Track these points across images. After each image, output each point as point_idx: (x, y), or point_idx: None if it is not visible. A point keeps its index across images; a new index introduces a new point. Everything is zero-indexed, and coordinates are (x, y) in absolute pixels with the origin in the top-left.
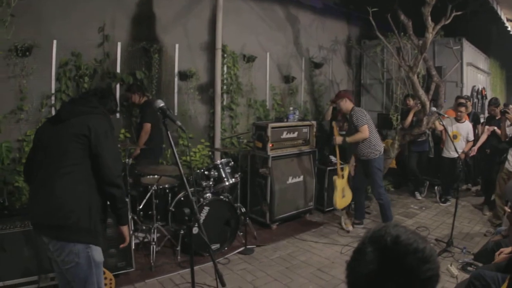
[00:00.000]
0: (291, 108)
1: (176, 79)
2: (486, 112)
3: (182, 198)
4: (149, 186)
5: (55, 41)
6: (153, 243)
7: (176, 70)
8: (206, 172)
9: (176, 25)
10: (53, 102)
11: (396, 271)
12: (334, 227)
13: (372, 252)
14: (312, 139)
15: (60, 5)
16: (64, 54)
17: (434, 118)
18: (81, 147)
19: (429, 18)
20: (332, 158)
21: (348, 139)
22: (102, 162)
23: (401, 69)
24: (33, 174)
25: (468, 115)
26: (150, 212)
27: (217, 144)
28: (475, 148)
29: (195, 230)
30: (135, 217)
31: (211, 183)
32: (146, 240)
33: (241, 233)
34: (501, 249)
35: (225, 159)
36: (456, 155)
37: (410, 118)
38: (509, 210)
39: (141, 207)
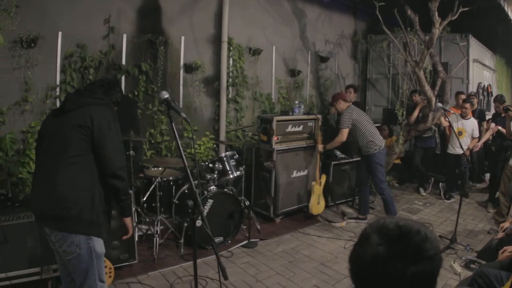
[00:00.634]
0: (296, 102)
1: (181, 71)
2: (492, 108)
3: (186, 191)
4: (153, 178)
5: (60, 33)
6: (156, 235)
7: (182, 62)
8: (210, 165)
9: (182, 18)
10: (57, 93)
11: (402, 249)
12: (337, 221)
13: (376, 237)
14: (317, 133)
15: None
16: (69, 46)
17: (439, 114)
18: (84, 138)
19: (436, 14)
20: (337, 152)
21: (328, 146)
22: (104, 153)
23: (407, 64)
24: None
25: (474, 112)
26: (153, 205)
27: (222, 137)
28: (479, 144)
29: (198, 223)
30: (139, 209)
31: (215, 176)
32: (149, 232)
33: (245, 227)
34: (505, 247)
35: (229, 152)
36: (461, 152)
37: (416, 113)
38: None
39: (144, 199)
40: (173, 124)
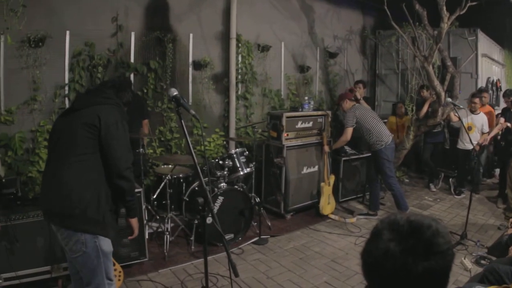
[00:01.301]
0: (306, 98)
1: (190, 68)
2: (501, 103)
3: (196, 188)
4: (163, 176)
5: (68, 32)
6: (167, 233)
7: (191, 59)
8: (220, 162)
9: (190, 15)
10: (66, 92)
11: (414, 244)
12: (348, 217)
13: (387, 232)
14: (327, 129)
15: None
16: (77, 45)
17: (449, 109)
18: (91, 137)
19: (444, 8)
20: (347, 148)
21: (333, 146)
22: (111, 153)
23: (416, 60)
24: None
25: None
26: (164, 202)
27: (232, 133)
28: (488, 137)
29: (209, 220)
30: (149, 207)
31: (225, 172)
32: (159, 230)
33: (255, 223)
34: None
35: (239, 149)
36: (471, 147)
37: (425, 109)
38: None
39: (155, 196)
40: (182, 121)
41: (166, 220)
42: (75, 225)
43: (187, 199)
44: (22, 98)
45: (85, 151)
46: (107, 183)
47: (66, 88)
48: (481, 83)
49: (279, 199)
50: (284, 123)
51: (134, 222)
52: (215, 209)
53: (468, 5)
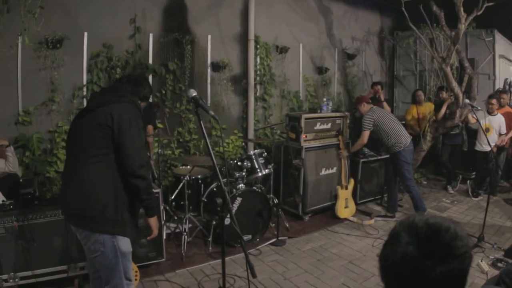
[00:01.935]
0: (324, 99)
1: (209, 70)
2: None
3: (214, 189)
4: (182, 177)
5: (86, 33)
6: (185, 233)
7: (209, 61)
8: (239, 163)
9: (208, 16)
10: (84, 93)
11: (432, 248)
12: (366, 219)
13: (405, 235)
14: (345, 130)
15: None
16: (95, 46)
17: (467, 110)
18: (105, 137)
19: (462, 9)
20: (366, 149)
21: (351, 150)
22: (124, 152)
23: (434, 61)
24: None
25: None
26: (182, 203)
27: (250, 135)
28: (506, 138)
29: (227, 221)
30: (167, 208)
31: (244, 174)
32: (177, 230)
33: (273, 225)
34: None
35: (258, 150)
36: (489, 149)
37: (443, 110)
38: None
39: (173, 197)
40: (201, 122)
41: (184, 221)
42: (93, 226)
43: (205, 200)
44: (40, 99)
45: (101, 151)
46: (124, 183)
47: (84, 89)
48: (499, 84)
49: (297, 201)
50: (302, 124)
51: (153, 221)
52: (233, 210)
53: (485, 5)
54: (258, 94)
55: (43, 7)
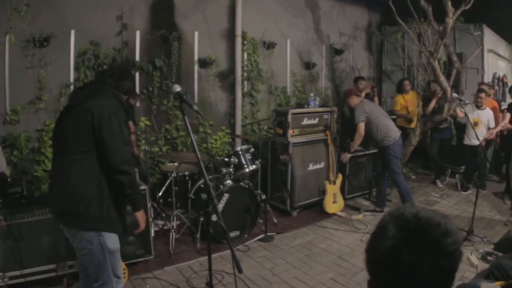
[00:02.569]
0: (311, 94)
1: (196, 66)
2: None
3: (202, 185)
4: (169, 174)
5: (72, 31)
6: (173, 230)
7: (196, 57)
8: (226, 159)
9: (195, 12)
10: (71, 91)
11: (421, 244)
12: (354, 214)
13: (393, 228)
14: (333, 125)
15: None
16: (82, 43)
17: (455, 104)
18: (87, 133)
19: (449, 3)
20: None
21: (352, 148)
22: (106, 147)
23: (422, 55)
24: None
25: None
26: (169, 200)
27: (238, 131)
28: (494, 131)
29: (214, 217)
30: (155, 205)
31: (231, 170)
32: (165, 227)
33: (261, 220)
34: None
35: (245, 146)
36: (477, 143)
37: (432, 105)
38: None
39: (160, 194)
40: (185, 117)
41: (171, 218)
42: (79, 223)
43: (193, 197)
44: (27, 97)
45: (83, 148)
46: (108, 179)
47: (72, 87)
48: (487, 79)
49: (285, 196)
50: (290, 120)
51: (139, 215)
52: (221, 206)
53: (473, 0)
54: (245, 90)
55: (29, 4)
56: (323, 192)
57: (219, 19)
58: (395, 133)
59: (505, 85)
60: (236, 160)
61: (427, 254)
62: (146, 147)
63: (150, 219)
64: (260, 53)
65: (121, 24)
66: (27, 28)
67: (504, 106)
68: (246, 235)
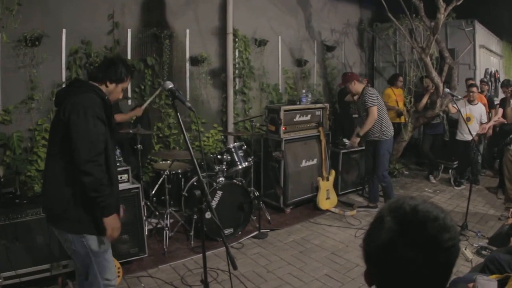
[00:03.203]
0: (303, 91)
1: (187, 64)
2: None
3: (195, 183)
4: (162, 172)
5: (64, 30)
6: (166, 228)
7: (188, 55)
8: (219, 156)
9: (186, 10)
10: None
11: (417, 239)
12: (348, 210)
13: (391, 220)
14: (325, 121)
15: None
16: (73, 43)
17: (447, 100)
18: (62, 132)
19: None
20: (346, 140)
21: (362, 131)
22: (72, 145)
23: (413, 51)
24: None
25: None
26: (163, 198)
27: (230, 128)
28: (486, 126)
29: (208, 215)
30: (148, 203)
31: (224, 167)
32: (159, 226)
33: (255, 217)
34: None
35: (237, 143)
36: (470, 138)
37: (425, 100)
38: None
39: (153, 192)
40: (178, 114)
41: (165, 216)
42: (60, 224)
43: (186, 194)
44: (19, 97)
45: (60, 147)
46: None
47: (64, 86)
48: (479, 74)
49: (278, 193)
50: (282, 116)
51: (107, 222)
52: (214, 203)
53: None
54: (237, 87)
55: (21, 3)
56: (316, 189)
57: (211, 17)
58: (392, 129)
59: (497, 80)
60: (229, 157)
61: (423, 249)
62: (139, 146)
63: (144, 218)
64: (252, 51)
65: (113, 22)
66: (18, 27)
67: (497, 101)
68: (240, 232)
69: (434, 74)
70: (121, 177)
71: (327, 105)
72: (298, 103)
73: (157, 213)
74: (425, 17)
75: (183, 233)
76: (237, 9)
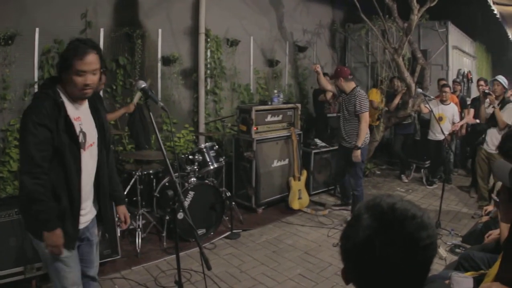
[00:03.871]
0: (275, 91)
1: (159, 64)
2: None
3: (167, 184)
4: (133, 172)
5: (37, 29)
6: (139, 229)
7: (159, 55)
8: (190, 157)
9: (159, 10)
10: (36, 90)
11: (395, 237)
12: (320, 210)
13: (368, 218)
14: (297, 122)
15: None
16: (46, 42)
17: (419, 100)
18: None
19: (415, 0)
20: (318, 141)
21: (359, 141)
22: None
23: (386, 52)
24: None
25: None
26: (134, 199)
27: (201, 128)
28: (458, 124)
29: (180, 215)
30: None
31: (195, 167)
32: (131, 227)
33: (227, 218)
34: (490, 232)
35: (209, 143)
36: (442, 137)
37: (396, 101)
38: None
39: (125, 193)
40: (151, 113)
41: (137, 217)
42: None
43: (158, 195)
44: None
45: None
46: None
47: (36, 86)
48: (452, 75)
49: (250, 193)
50: (253, 116)
51: (46, 237)
52: (186, 204)
53: None
54: (208, 87)
55: None
56: (288, 189)
57: (183, 16)
58: (369, 136)
59: (470, 81)
60: (201, 157)
61: (401, 247)
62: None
63: (116, 219)
64: (224, 51)
65: (85, 21)
66: None
67: (469, 101)
68: (212, 233)
69: (406, 74)
70: None
71: (299, 105)
72: (269, 103)
73: (129, 214)
74: (398, 18)
75: (155, 234)
76: (210, 9)
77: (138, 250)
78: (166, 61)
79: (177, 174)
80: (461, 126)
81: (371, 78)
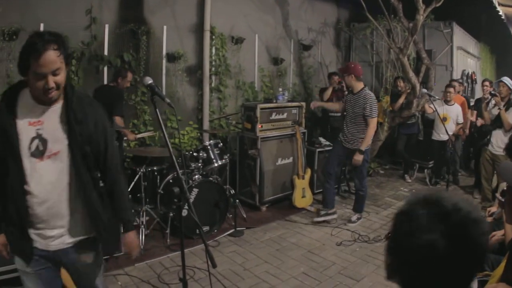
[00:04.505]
0: (280, 89)
1: (164, 61)
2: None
3: (171, 180)
4: (137, 169)
5: (42, 24)
6: (142, 226)
7: (164, 52)
8: (194, 154)
9: (164, 7)
10: None
11: (463, 242)
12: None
13: (429, 217)
14: (301, 120)
15: None
16: None
17: (424, 100)
18: None
19: (420, 0)
20: (322, 139)
21: (363, 145)
22: None
23: (391, 52)
24: None
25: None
26: (138, 195)
27: (206, 126)
28: (467, 130)
29: (184, 212)
30: None
31: (200, 164)
32: (135, 223)
33: (231, 215)
34: (493, 233)
35: (213, 141)
36: (446, 138)
37: (401, 100)
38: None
39: (129, 190)
40: (157, 110)
41: (141, 214)
42: None
43: (162, 192)
44: None
45: None
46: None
47: None
48: (456, 76)
49: (254, 191)
50: (258, 114)
51: None
52: (191, 201)
53: None
54: (213, 85)
55: None
56: (292, 187)
57: (188, 13)
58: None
59: (474, 82)
60: (205, 155)
61: (467, 255)
62: (116, 143)
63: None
64: (228, 48)
65: (90, 18)
66: None
67: (473, 102)
68: (216, 230)
69: (411, 74)
70: None
71: (304, 103)
72: (274, 101)
73: (132, 211)
74: (404, 18)
75: (159, 230)
76: (215, 6)
77: (142, 247)
78: (171, 58)
79: (182, 170)
80: (465, 126)
81: (375, 78)
